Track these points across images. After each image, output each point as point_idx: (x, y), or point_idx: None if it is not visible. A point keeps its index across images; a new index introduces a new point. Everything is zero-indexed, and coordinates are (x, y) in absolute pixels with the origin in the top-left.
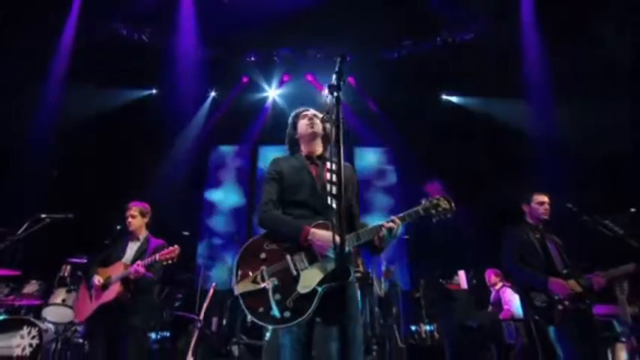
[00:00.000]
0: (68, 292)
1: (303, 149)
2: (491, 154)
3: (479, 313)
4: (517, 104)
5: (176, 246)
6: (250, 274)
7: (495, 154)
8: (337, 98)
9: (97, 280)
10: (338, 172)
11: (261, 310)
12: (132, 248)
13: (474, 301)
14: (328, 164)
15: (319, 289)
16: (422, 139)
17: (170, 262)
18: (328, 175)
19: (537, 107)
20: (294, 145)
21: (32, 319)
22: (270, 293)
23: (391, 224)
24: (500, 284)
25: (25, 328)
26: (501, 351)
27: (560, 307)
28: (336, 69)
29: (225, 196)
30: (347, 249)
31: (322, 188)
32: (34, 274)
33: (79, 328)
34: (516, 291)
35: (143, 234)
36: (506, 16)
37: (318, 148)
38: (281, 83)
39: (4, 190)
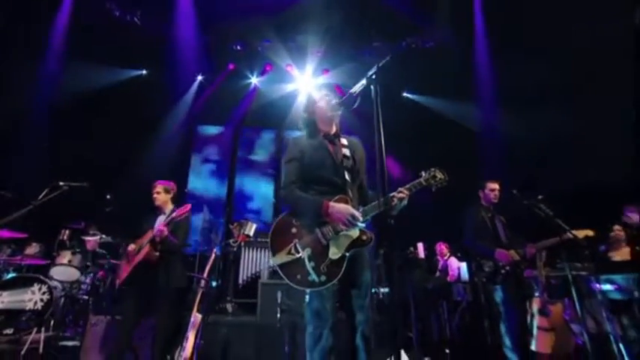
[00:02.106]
0: (73, 254)
1: (321, 129)
2: (443, 147)
3: (432, 277)
4: (468, 105)
5: (188, 204)
6: (284, 247)
7: (447, 146)
8: (376, 89)
9: (131, 247)
10: (380, 156)
11: (298, 277)
12: (160, 220)
13: (427, 268)
14: (342, 140)
15: (347, 254)
16: (385, 130)
17: (185, 219)
18: (343, 150)
19: (485, 108)
20: (310, 125)
21: (42, 277)
22: (307, 261)
23: (402, 194)
24: (447, 254)
25: (35, 285)
26: (450, 306)
27: (502, 271)
28: (380, 64)
29: (209, 172)
30: (367, 218)
31: (340, 163)
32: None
33: (83, 286)
34: (460, 259)
35: (169, 207)
36: (461, 30)
37: (334, 128)
38: (263, 72)
39: (4, 160)
